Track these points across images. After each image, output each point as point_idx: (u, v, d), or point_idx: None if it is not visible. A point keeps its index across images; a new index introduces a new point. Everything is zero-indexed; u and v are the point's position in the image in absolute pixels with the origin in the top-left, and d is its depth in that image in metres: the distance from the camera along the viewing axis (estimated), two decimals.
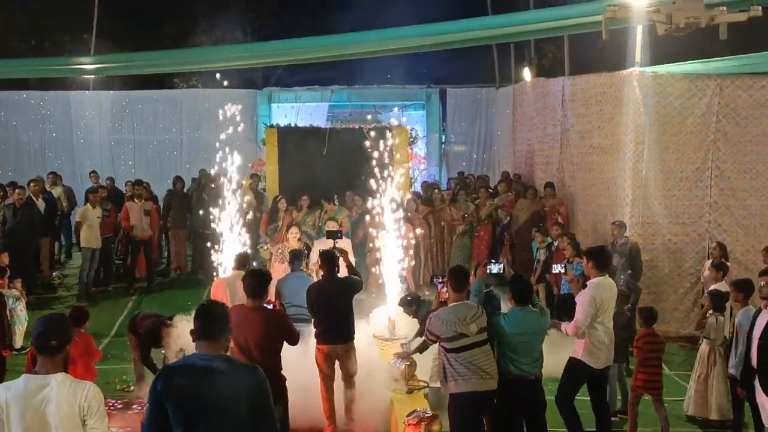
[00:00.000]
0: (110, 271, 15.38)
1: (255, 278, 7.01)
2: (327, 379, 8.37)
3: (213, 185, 14.84)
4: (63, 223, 17.08)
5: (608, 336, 7.78)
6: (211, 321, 4.45)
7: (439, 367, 7.15)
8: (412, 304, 9.60)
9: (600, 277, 7.87)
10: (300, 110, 19.22)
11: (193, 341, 4.43)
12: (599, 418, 7.93)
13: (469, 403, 6.92)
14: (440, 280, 9.40)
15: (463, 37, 12.70)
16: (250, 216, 13.60)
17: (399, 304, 9.88)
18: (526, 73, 19.34)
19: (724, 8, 9.01)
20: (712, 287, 9.82)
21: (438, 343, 7.11)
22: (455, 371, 6.89)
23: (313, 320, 8.49)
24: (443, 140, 21.81)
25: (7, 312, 10.29)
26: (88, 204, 14.43)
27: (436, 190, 16.15)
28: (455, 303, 7.16)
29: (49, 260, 15.62)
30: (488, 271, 8.45)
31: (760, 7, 9.32)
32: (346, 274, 9.07)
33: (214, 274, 10.87)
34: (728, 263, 10.85)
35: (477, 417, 7.05)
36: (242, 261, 9.62)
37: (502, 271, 8.93)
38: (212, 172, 12.93)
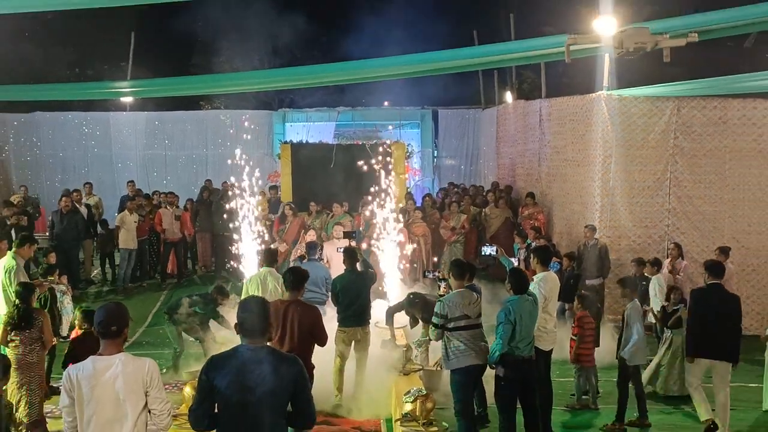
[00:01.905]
0: (144, 269, 15.41)
1: (294, 274, 7.14)
2: (342, 358, 8.54)
3: (230, 193, 14.96)
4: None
5: (551, 322, 7.99)
6: (256, 316, 4.29)
7: (442, 350, 7.25)
8: (419, 304, 9.35)
9: (544, 271, 8.07)
10: (310, 129, 19.28)
11: (237, 333, 4.33)
12: (542, 393, 7.95)
13: (466, 375, 7.12)
14: (432, 276, 9.42)
15: (453, 64, 12.76)
16: (266, 222, 13.72)
17: (406, 304, 9.65)
18: (508, 96, 19.43)
19: (667, 35, 9.54)
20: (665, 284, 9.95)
21: (443, 327, 7.19)
22: (457, 349, 7.08)
23: (337, 307, 8.67)
24: (435, 155, 21.86)
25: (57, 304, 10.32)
26: (126, 210, 14.49)
27: (427, 198, 16.22)
28: (459, 289, 7.35)
29: (89, 259, 15.67)
30: (482, 253, 8.59)
31: (696, 34, 9.90)
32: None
33: (241, 269, 10.98)
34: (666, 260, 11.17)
35: (474, 386, 7.31)
36: (270, 257, 9.50)
37: (495, 253, 8.94)
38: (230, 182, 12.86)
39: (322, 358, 7.30)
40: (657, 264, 10.77)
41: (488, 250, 8.84)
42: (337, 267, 10.09)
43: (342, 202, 14.26)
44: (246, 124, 19.25)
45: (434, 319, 7.26)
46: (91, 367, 4.46)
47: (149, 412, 4.57)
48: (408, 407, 7.21)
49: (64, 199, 14.41)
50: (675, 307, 9.30)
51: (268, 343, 4.38)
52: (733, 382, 9.60)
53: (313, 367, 6.86)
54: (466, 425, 7.16)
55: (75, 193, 15.41)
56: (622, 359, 8.18)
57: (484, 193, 17.04)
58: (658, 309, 9.86)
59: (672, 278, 11.07)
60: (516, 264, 8.80)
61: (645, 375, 9.07)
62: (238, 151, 11.57)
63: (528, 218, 14.41)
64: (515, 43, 15.27)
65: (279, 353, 4.38)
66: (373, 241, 12.06)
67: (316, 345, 6.93)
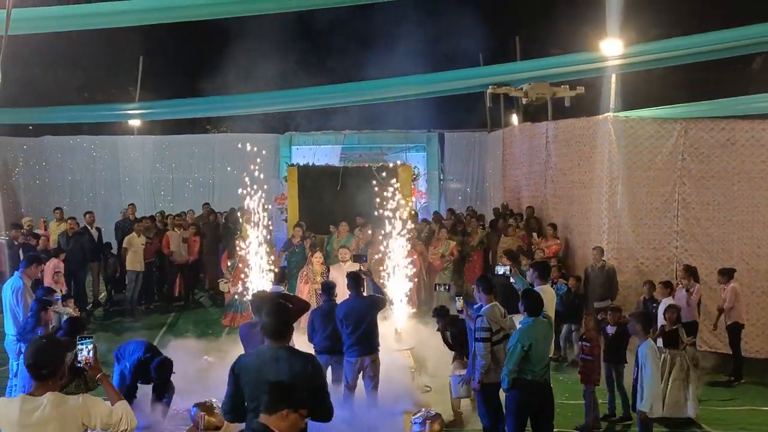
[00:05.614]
0: (152, 291, 15.36)
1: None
2: (350, 388, 8.21)
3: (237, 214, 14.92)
4: None
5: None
6: (273, 320, 4.69)
7: (479, 364, 7.17)
8: (445, 315, 8.97)
9: (543, 285, 8.25)
10: (317, 152, 19.31)
11: (263, 335, 4.74)
12: None
13: (496, 389, 7.19)
14: (444, 289, 9.38)
15: (460, 85, 12.79)
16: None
17: (433, 315, 9.23)
18: (514, 119, 19.44)
19: (567, 86, 12.37)
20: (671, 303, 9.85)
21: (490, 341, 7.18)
22: (495, 363, 7.08)
23: (342, 334, 8.24)
24: (441, 177, 21.84)
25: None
26: (134, 233, 14.47)
27: (427, 224, 16.15)
28: (491, 304, 7.31)
29: (97, 281, 15.63)
30: (495, 272, 8.60)
31: (583, 88, 12.50)
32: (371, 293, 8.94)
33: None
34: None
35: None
36: (279, 276, 9.75)
37: (508, 273, 8.84)
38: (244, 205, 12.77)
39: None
40: (668, 286, 10.63)
41: (501, 269, 8.71)
42: (344, 292, 9.83)
43: (343, 223, 14.15)
44: (252, 147, 19.25)
45: (483, 334, 7.11)
46: (18, 408, 4.06)
47: None
48: (416, 429, 7.14)
49: (69, 221, 14.46)
50: (673, 326, 9.14)
51: None
52: (743, 406, 9.58)
53: None
54: None
55: (89, 215, 15.41)
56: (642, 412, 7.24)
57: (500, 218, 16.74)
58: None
59: (686, 299, 10.92)
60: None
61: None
62: (244, 175, 11.59)
63: (542, 242, 14.12)
64: (521, 63, 15.32)
65: (296, 352, 4.74)
66: (379, 256, 12.02)
67: None
